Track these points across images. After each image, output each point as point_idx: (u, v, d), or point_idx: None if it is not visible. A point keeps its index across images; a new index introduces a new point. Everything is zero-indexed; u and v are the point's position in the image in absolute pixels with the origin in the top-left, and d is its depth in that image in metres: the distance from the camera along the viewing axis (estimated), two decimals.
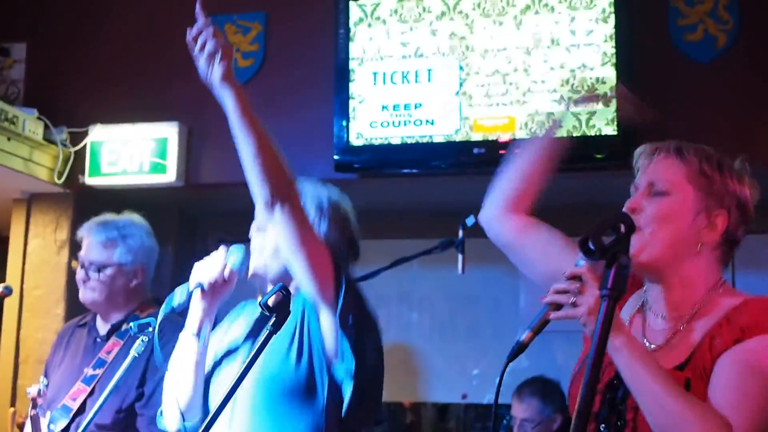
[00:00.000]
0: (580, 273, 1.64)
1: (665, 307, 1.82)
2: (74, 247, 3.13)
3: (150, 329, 2.53)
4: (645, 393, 1.61)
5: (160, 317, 2.28)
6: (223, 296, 2.32)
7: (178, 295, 2.26)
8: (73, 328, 3.14)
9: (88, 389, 2.84)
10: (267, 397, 2.17)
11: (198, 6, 2.14)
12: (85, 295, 2.98)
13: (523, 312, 4.72)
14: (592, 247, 1.09)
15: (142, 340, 2.53)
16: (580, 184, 4.05)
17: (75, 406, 2.82)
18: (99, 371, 2.86)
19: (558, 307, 1.65)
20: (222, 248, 2.32)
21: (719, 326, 1.70)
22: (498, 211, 2.15)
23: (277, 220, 2.11)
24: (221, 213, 4.71)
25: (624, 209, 1.81)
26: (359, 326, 2.20)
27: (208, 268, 2.29)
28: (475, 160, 3.78)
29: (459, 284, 4.45)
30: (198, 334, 2.27)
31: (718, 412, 1.60)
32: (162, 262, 4.57)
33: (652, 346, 1.78)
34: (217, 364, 2.31)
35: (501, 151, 3.73)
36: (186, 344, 2.29)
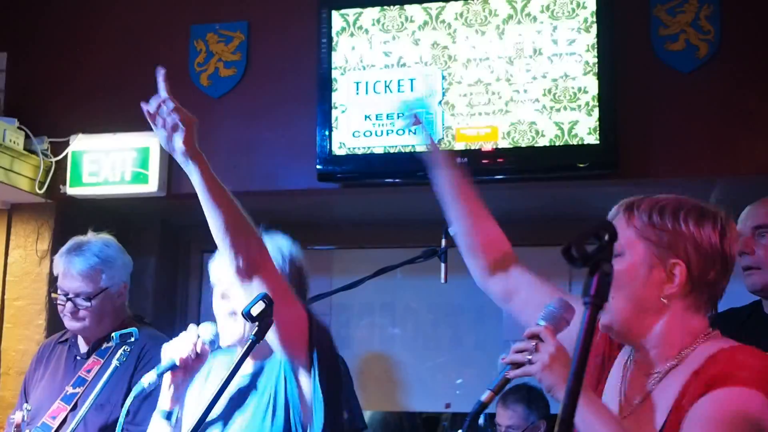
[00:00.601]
0: (537, 332, 1.72)
1: (647, 363, 1.78)
2: (58, 272, 3.05)
3: (132, 339, 2.52)
4: None
5: (130, 399, 2.24)
6: (195, 372, 2.28)
7: (148, 377, 2.22)
8: (53, 345, 3.12)
9: (68, 407, 2.82)
10: None
11: (160, 77, 2.11)
12: (75, 324, 2.95)
13: (506, 321, 4.72)
14: (575, 254, 1.09)
15: (124, 350, 2.52)
16: (563, 192, 4.07)
17: (55, 424, 2.80)
18: (79, 389, 2.84)
19: (518, 365, 1.71)
20: (191, 326, 2.28)
21: (691, 380, 1.67)
22: (478, 281, 2.19)
23: (255, 290, 2.06)
24: (203, 223, 4.67)
25: None
26: (331, 384, 2.17)
27: (179, 346, 2.24)
28: None
29: (442, 293, 4.45)
30: (169, 417, 2.24)
31: None
32: (144, 272, 4.57)
33: (635, 401, 1.76)
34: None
35: (484, 161, 3.76)
36: (156, 426, 2.26)
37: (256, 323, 1.96)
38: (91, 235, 3.02)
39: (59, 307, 2.97)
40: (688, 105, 3.71)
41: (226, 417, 2.23)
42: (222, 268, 2.23)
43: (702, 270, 1.74)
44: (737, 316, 2.63)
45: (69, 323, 2.96)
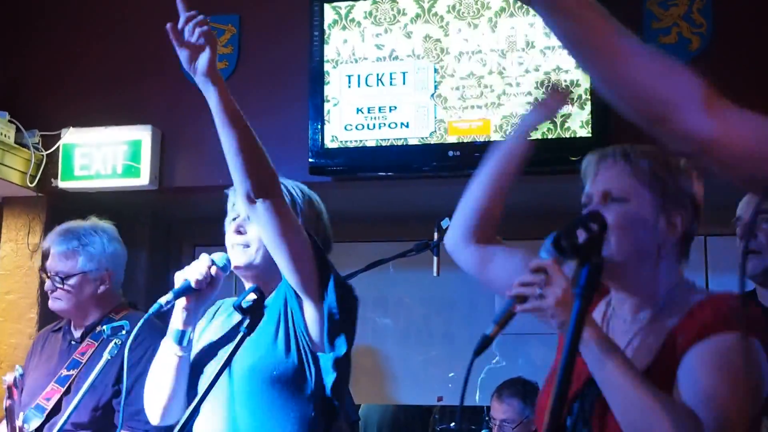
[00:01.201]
0: (545, 265, 1.63)
1: (629, 310, 1.82)
2: (46, 252, 3.12)
3: (123, 332, 2.51)
4: (614, 387, 1.61)
5: (148, 315, 2.26)
6: (207, 298, 2.31)
7: (163, 297, 2.23)
8: (48, 334, 3.14)
9: (62, 389, 2.84)
10: (257, 386, 2.17)
11: (179, 2, 2.14)
12: (54, 304, 3.01)
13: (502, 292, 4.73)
14: (564, 245, 1.08)
15: (115, 343, 2.51)
16: (554, 186, 4.07)
17: (49, 405, 2.82)
18: (73, 372, 2.87)
19: (524, 299, 1.63)
20: (204, 254, 2.31)
21: (682, 324, 1.71)
22: (458, 241, 2.14)
23: (259, 214, 2.10)
24: (195, 217, 4.69)
25: None
26: (343, 319, 2.21)
27: (194, 269, 2.27)
28: (449, 163, 3.79)
29: (434, 287, 4.46)
30: (180, 340, 2.25)
31: (688, 408, 1.60)
32: (135, 266, 4.55)
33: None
34: (197, 362, 2.31)
35: (476, 154, 3.74)
36: (167, 349, 2.27)
37: (248, 313, 1.95)
38: (90, 221, 3.05)
39: (45, 285, 3.03)
40: None
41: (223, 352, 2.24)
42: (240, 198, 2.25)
43: (692, 223, 1.82)
44: None
45: (50, 303, 3.03)
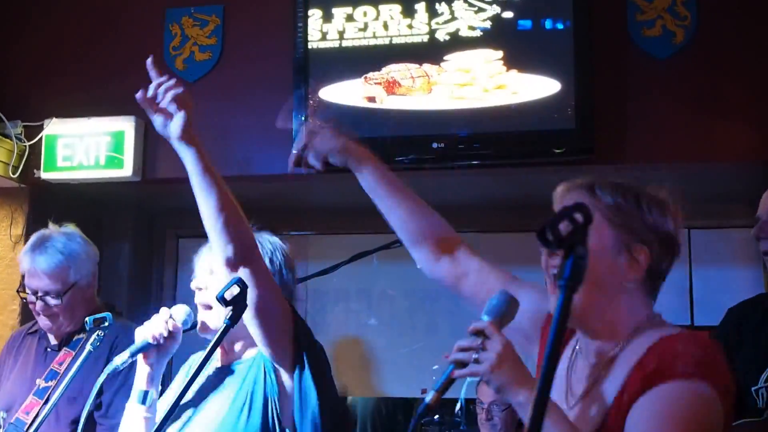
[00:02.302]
0: (482, 328, 1.62)
1: (594, 352, 1.75)
2: (26, 271, 3.00)
3: (106, 323, 2.49)
4: None
5: (102, 377, 2.24)
6: (169, 353, 2.26)
7: (120, 357, 2.21)
8: (23, 336, 3.08)
9: (41, 402, 2.79)
10: None
11: (149, 65, 2.08)
12: (48, 322, 2.90)
13: (482, 306, 4.73)
14: (549, 237, 1.08)
15: (98, 335, 2.49)
16: (539, 178, 4.08)
17: (28, 419, 2.77)
18: (51, 383, 2.81)
19: (463, 364, 1.61)
20: (164, 308, 2.28)
21: (632, 373, 1.63)
22: (423, 267, 2.11)
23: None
24: (178, 208, 4.67)
25: (543, 260, 1.75)
26: (324, 379, 2.17)
27: (151, 325, 2.23)
28: (434, 155, 3.79)
29: (418, 279, 4.43)
30: (144, 401, 2.22)
31: None
32: (119, 257, 4.54)
33: (580, 392, 1.71)
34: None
35: (460, 146, 3.76)
36: (132, 411, 2.24)
37: (230, 307, 1.94)
38: (53, 229, 2.95)
39: (30, 305, 2.92)
40: (664, 91, 3.73)
41: (199, 413, 2.22)
42: (200, 260, 2.23)
43: (660, 260, 1.73)
44: (754, 306, 2.60)
45: (42, 322, 2.91)
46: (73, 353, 2.84)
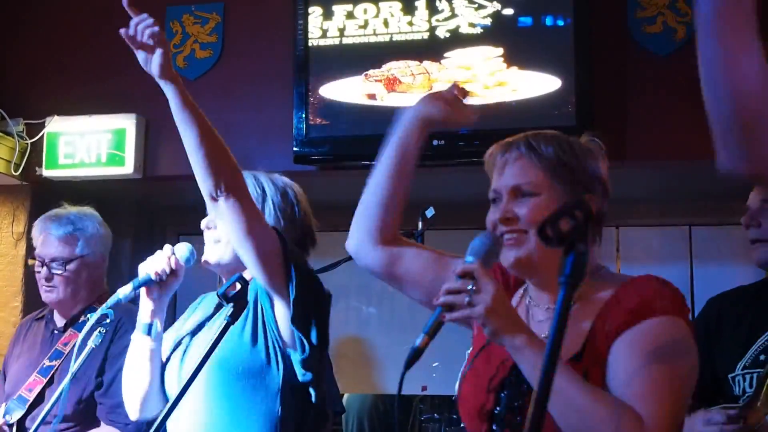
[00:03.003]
0: (471, 270, 1.58)
1: (549, 299, 1.76)
2: (31, 240, 3.07)
3: (108, 321, 2.51)
4: (553, 392, 1.52)
5: (101, 311, 2.29)
6: (171, 289, 2.32)
7: (123, 289, 2.25)
8: (30, 322, 3.12)
9: (45, 380, 2.82)
10: (225, 380, 2.17)
11: (125, 3, 2.23)
12: (50, 294, 2.92)
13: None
14: (549, 234, 1.08)
15: (100, 332, 2.51)
16: None
17: (31, 396, 2.80)
18: (56, 362, 2.84)
19: (452, 307, 1.58)
20: (167, 245, 2.34)
21: (608, 308, 1.65)
22: (363, 243, 2.03)
23: (222, 212, 2.11)
24: (179, 206, 4.68)
25: (494, 218, 1.74)
26: (312, 315, 2.18)
27: (154, 261, 2.30)
28: (434, 152, 3.79)
29: None
30: (149, 332, 2.28)
31: (628, 405, 1.53)
32: (120, 254, 4.54)
33: (542, 335, 1.67)
34: (171, 350, 2.33)
35: (460, 143, 3.76)
36: (138, 342, 2.30)
37: (232, 303, 1.95)
38: (70, 207, 3.02)
39: (36, 275, 2.96)
40: (665, 88, 3.72)
41: (197, 340, 2.29)
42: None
43: (603, 204, 1.77)
44: (746, 294, 2.61)
45: (45, 294, 2.94)
46: (78, 334, 2.87)
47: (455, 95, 1.99)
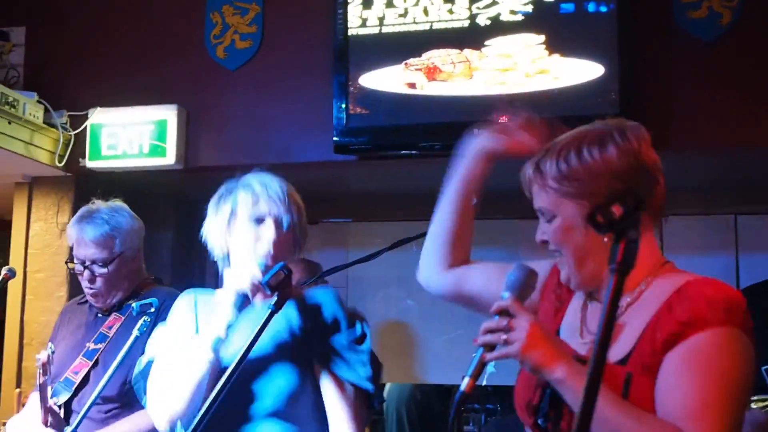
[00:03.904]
0: (506, 307, 1.61)
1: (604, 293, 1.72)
2: (73, 240, 3.06)
3: (152, 309, 2.53)
4: (596, 420, 1.48)
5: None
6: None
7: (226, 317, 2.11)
8: (74, 306, 3.17)
9: (90, 363, 2.86)
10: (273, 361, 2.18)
11: None
12: (94, 291, 2.96)
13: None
14: (600, 220, 1.06)
15: (145, 320, 2.53)
16: None
17: (77, 379, 2.85)
18: (101, 345, 2.88)
19: (492, 347, 1.61)
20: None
21: (660, 315, 1.60)
22: (431, 275, 2.09)
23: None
24: None
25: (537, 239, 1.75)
26: None
27: (247, 274, 2.15)
28: None
29: None
30: (217, 346, 2.11)
31: (671, 425, 1.50)
32: (161, 245, 4.58)
33: (593, 331, 1.66)
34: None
35: None
36: (199, 353, 2.11)
37: (276, 290, 1.95)
38: (99, 203, 3.03)
39: (78, 276, 2.99)
40: (710, 74, 3.66)
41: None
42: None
43: (635, 195, 1.61)
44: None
45: (89, 292, 2.98)
46: (122, 318, 2.90)
47: (517, 126, 1.99)
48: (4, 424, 3.04)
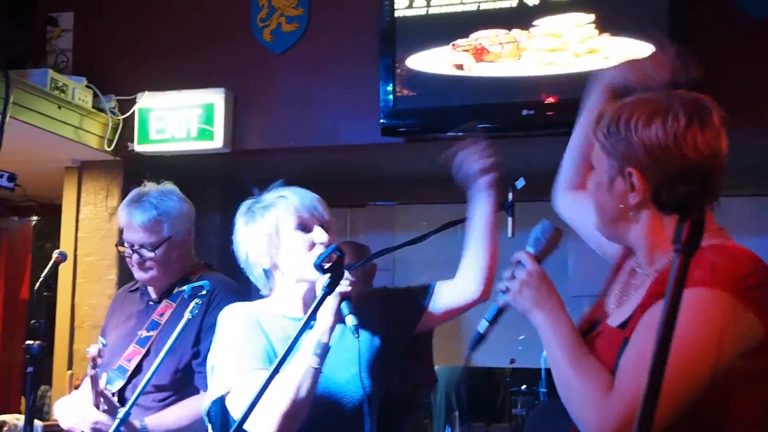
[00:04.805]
0: (518, 258, 1.77)
1: (646, 265, 1.69)
2: (123, 225, 3.08)
3: (203, 292, 2.54)
4: (551, 361, 1.63)
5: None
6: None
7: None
8: (125, 294, 3.18)
9: (143, 350, 2.87)
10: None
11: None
12: (144, 275, 2.97)
13: (573, 276, 4.67)
14: (666, 199, 1.04)
15: (196, 303, 2.53)
16: None
17: (131, 366, 2.86)
18: (153, 333, 2.89)
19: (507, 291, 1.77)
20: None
21: (655, 283, 1.58)
22: (558, 195, 2.17)
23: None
24: (267, 179, 4.70)
25: None
26: None
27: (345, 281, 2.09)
28: (523, 123, 3.73)
29: (508, 248, 4.40)
30: (321, 352, 2.06)
31: (605, 375, 1.54)
32: (209, 229, 4.61)
33: (634, 300, 1.64)
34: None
35: (548, 113, 3.69)
36: (303, 362, 2.05)
37: (329, 272, 1.93)
38: (150, 186, 3.04)
39: (127, 259, 3.01)
40: (763, 52, 3.58)
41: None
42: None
43: (659, 174, 1.58)
44: None
45: (138, 274, 2.99)
46: (173, 305, 2.91)
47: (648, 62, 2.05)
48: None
